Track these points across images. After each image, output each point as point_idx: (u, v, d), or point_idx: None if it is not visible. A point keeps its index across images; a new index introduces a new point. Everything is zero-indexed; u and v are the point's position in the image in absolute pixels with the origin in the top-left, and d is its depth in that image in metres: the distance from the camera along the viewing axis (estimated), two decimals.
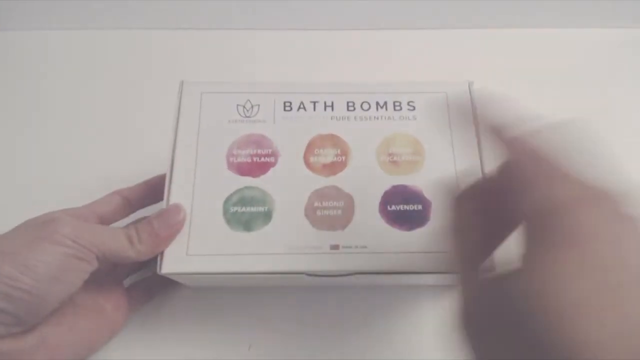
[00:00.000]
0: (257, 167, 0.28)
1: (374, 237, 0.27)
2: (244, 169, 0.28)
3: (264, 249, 0.26)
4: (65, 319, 0.25)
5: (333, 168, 0.29)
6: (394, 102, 0.30)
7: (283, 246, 0.26)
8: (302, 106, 0.30)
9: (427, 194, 0.28)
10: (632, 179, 0.17)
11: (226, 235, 0.27)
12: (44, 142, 0.40)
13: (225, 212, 0.27)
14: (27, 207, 0.32)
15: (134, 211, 0.30)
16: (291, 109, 0.30)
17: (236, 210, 0.27)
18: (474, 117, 0.30)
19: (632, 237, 0.15)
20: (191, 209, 0.27)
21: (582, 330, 0.14)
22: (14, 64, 0.44)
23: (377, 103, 0.30)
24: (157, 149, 0.31)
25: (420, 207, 0.28)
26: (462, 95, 0.30)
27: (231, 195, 0.28)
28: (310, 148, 0.29)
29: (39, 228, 0.24)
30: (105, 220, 0.29)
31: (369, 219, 0.27)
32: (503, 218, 0.19)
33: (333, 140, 0.29)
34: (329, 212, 0.27)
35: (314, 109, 0.30)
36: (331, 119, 0.30)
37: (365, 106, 0.30)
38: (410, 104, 0.30)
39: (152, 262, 0.26)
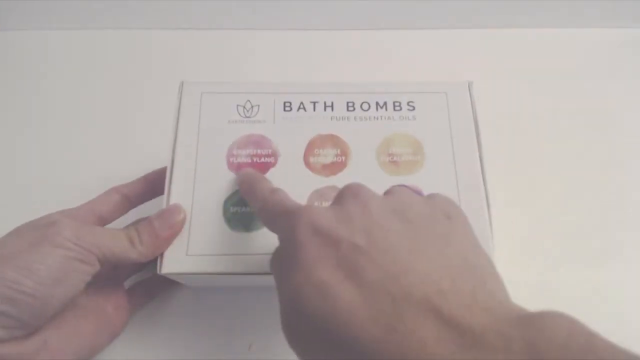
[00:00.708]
0: (257, 167, 0.28)
1: None
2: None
3: (264, 249, 0.26)
4: (66, 322, 0.25)
5: (333, 168, 0.29)
6: (394, 102, 0.30)
7: None
8: (302, 106, 0.30)
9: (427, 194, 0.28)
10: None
11: (226, 235, 0.27)
12: (44, 142, 0.40)
13: (225, 212, 0.27)
14: (27, 207, 0.32)
15: (133, 207, 0.30)
16: (291, 109, 0.30)
17: (236, 210, 0.27)
18: (474, 117, 0.30)
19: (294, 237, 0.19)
20: (191, 209, 0.27)
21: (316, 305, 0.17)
22: (14, 64, 0.44)
23: (377, 103, 0.30)
24: (157, 149, 0.31)
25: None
26: (462, 95, 0.30)
27: (231, 195, 0.28)
28: (310, 148, 0.29)
29: (39, 231, 0.24)
30: (105, 220, 0.29)
31: None
32: None
33: (333, 140, 0.29)
34: None
35: (314, 109, 0.30)
36: (331, 119, 0.30)
37: (365, 106, 0.30)
38: (410, 104, 0.30)
39: (152, 262, 0.26)
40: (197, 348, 0.31)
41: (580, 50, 0.46)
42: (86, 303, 0.27)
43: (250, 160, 0.29)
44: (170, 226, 0.26)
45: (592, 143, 0.40)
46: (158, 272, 0.26)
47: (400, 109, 0.30)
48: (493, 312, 0.16)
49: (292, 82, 0.31)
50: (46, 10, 0.45)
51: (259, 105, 0.30)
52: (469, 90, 0.30)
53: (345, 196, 0.21)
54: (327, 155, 0.29)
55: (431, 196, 0.22)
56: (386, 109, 0.30)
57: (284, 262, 0.20)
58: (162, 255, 0.26)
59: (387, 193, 0.22)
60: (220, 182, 0.28)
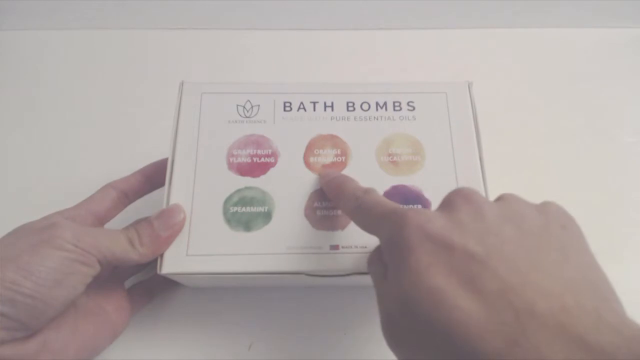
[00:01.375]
0: (257, 168, 0.28)
1: (374, 238, 0.27)
2: (244, 169, 0.28)
3: (263, 249, 0.26)
4: (66, 323, 0.25)
5: (333, 168, 0.29)
6: (394, 102, 0.30)
7: (283, 246, 0.26)
8: (302, 106, 0.30)
9: (427, 194, 0.28)
10: None
11: (226, 235, 0.27)
12: (43, 142, 0.39)
13: (225, 212, 0.27)
14: (26, 206, 0.32)
15: (131, 202, 0.30)
16: (291, 109, 0.30)
17: (236, 211, 0.27)
18: (474, 117, 0.30)
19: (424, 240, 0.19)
20: (191, 209, 0.27)
21: (447, 307, 0.17)
22: (14, 64, 0.44)
23: (377, 103, 0.30)
24: (157, 149, 0.31)
25: (419, 207, 0.28)
26: (462, 95, 0.30)
27: (231, 195, 0.28)
28: (310, 148, 0.29)
29: (39, 233, 0.24)
30: (104, 218, 0.29)
31: None
32: None
33: (333, 140, 0.29)
34: (329, 212, 0.27)
35: (314, 110, 0.30)
36: (331, 119, 0.30)
37: (365, 106, 0.30)
38: (410, 104, 0.30)
39: (152, 263, 0.26)
40: (197, 348, 0.30)
41: (580, 50, 0.46)
42: (86, 304, 0.27)
43: (250, 161, 0.29)
44: (170, 227, 0.26)
45: (592, 143, 0.40)
46: (158, 272, 0.26)
47: (400, 109, 0.30)
48: (620, 331, 0.15)
49: (292, 82, 0.31)
50: (46, 10, 0.45)
51: (259, 106, 0.30)
52: (469, 90, 0.30)
53: (456, 201, 0.20)
54: (327, 155, 0.29)
55: (545, 205, 0.21)
56: (386, 109, 0.30)
57: (391, 266, 0.20)
58: (162, 255, 0.26)
59: (498, 200, 0.21)
60: (220, 182, 0.28)
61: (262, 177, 0.28)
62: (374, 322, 0.32)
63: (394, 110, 0.30)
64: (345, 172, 0.29)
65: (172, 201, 0.27)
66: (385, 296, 0.19)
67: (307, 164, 0.29)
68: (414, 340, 0.17)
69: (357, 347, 0.31)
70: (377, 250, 0.22)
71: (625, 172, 0.39)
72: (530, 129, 0.40)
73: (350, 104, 0.30)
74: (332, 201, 0.27)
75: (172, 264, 0.26)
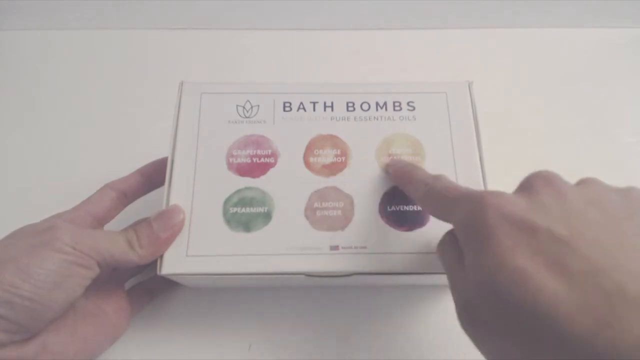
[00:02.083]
0: (256, 168, 0.28)
1: (374, 238, 0.27)
2: (243, 170, 0.28)
3: (263, 249, 0.26)
4: (66, 325, 0.25)
5: (333, 168, 0.29)
6: (394, 103, 0.30)
7: (283, 247, 0.26)
8: (301, 106, 0.30)
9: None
10: None
11: (226, 236, 0.27)
12: (42, 142, 0.39)
13: (225, 212, 0.27)
14: (26, 207, 0.33)
15: (130, 203, 0.30)
16: (291, 109, 0.30)
17: (236, 211, 0.27)
18: (474, 117, 0.30)
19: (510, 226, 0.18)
20: (191, 210, 0.27)
21: (534, 286, 0.16)
22: (13, 64, 0.44)
23: (377, 103, 0.30)
24: (157, 149, 0.31)
25: (420, 207, 0.28)
26: (462, 95, 0.30)
27: (231, 195, 0.28)
28: (310, 148, 0.29)
29: (38, 235, 0.24)
30: (103, 219, 0.28)
31: (368, 220, 0.27)
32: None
33: (333, 140, 0.29)
34: (329, 212, 0.27)
35: (314, 110, 0.30)
36: (331, 119, 0.30)
37: (365, 106, 0.30)
38: (410, 104, 0.30)
39: (152, 264, 0.26)
40: (197, 348, 0.31)
41: (580, 50, 0.46)
42: (86, 306, 0.27)
43: (250, 161, 0.29)
44: (169, 227, 0.26)
45: (592, 143, 0.40)
46: (158, 273, 0.26)
47: (400, 109, 0.30)
48: None
49: (292, 82, 0.31)
50: (46, 10, 0.45)
51: (258, 106, 0.30)
52: (469, 90, 0.30)
53: (535, 183, 0.20)
54: (327, 155, 0.29)
55: (628, 190, 0.20)
56: (386, 109, 0.30)
57: (467, 245, 0.19)
58: (162, 256, 0.26)
59: (580, 183, 0.21)
60: (220, 183, 0.28)
61: (262, 177, 0.28)
62: (374, 322, 0.32)
63: (394, 110, 0.30)
64: (345, 172, 0.29)
65: (172, 202, 0.27)
66: (462, 281, 0.19)
67: (307, 164, 0.29)
68: (499, 325, 0.17)
69: (358, 347, 0.31)
70: (449, 234, 0.21)
71: (625, 172, 0.39)
72: (530, 129, 0.40)
73: (350, 104, 0.30)
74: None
75: (172, 264, 0.26)
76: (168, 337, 0.31)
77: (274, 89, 0.31)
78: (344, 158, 0.29)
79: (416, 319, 0.32)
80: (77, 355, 0.26)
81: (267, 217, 0.27)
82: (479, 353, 0.19)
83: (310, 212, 0.27)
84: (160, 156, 0.30)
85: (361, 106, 0.30)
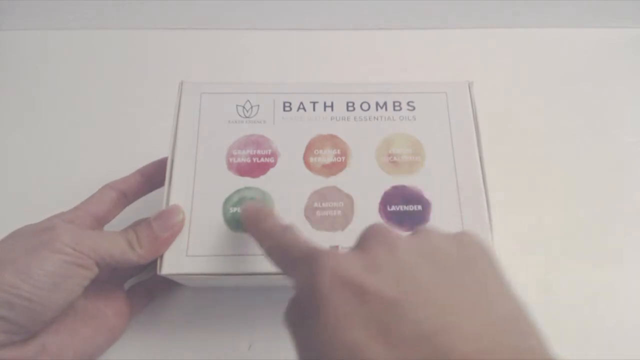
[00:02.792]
0: (256, 168, 0.28)
1: None
2: (243, 170, 0.28)
3: None
4: (65, 326, 0.25)
5: (333, 168, 0.29)
6: (394, 102, 0.30)
7: None
8: (301, 106, 0.30)
9: (427, 195, 0.28)
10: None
11: (226, 236, 0.27)
12: (42, 142, 0.39)
13: (225, 212, 0.27)
14: (26, 207, 0.32)
15: (130, 203, 0.30)
16: (291, 109, 0.30)
17: (236, 211, 0.27)
18: (474, 117, 0.30)
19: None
20: (191, 210, 0.27)
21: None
22: (13, 64, 0.44)
23: (377, 103, 0.30)
24: (157, 150, 0.31)
25: (420, 207, 0.28)
26: (462, 95, 0.30)
27: (231, 195, 0.28)
28: (310, 148, 0.29)
29: (37, 236, 0.24)
30: (103, 220, 0.28)
31: (368, 220, 0.27)
32: None
33: (333, 140, 0.29)
34: (329, 212, 0.27)
35: (314, 109, 0.30)
36: (331, 119, 0.30)
37: (365, 106, 0.30)
38: (410, 104, 0.30)
39: (152, 264, 0.26)
40: (197, 348, 0.30)
41: (580, 50, 0.46)
42: (86, 307, 0.27)
43: (250, 161, 0.29)
44: (169, 227, 0.26)
45: (592, 143, 0.40)
46: (158, 273, 0.26)
47: (400, 109, 0.30)
48: None
49: (291, 82, 0.31)
50: (46, 10, 0.45)
51: (258, 106, 0.30)
52: (469, 90, 0.30)
53: (369, 239, 0.20)
54: (327, 155, 0.29)
55: (460, 235, 0.21)
56: (386, 109, 0.30)
57: (305, 316, 0.18)
58: (162, 256, 0.26)
59: (413, 233, 0.21)
60: (220, 183, 0.28)
61: (262, 177, 0.28)
62: None
63: (394, 110, 0.30)
64: (345, 172, 0.28)
65: (172, 202, 0.27)
66: (300, 353, 0.18)
67: (307, 164, 0.29)
68: None
69: None
70: (293, 304, 0.20)
71: (625, 172, 0.39)
72: (530, 129, 0.40)
73: (350, 104, 0.30)
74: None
75: (171, 264, 0.26)
76: (168, 337, 0.31)
77: (274, 89, 0.31)
78: (344, 158, 0.29)
79: None
80: (77, 355, 0.26)
81: None
82: None
83: (310, 212, 0.27)
84: (160, 156, 0.30)
85: (361, 106, 0.30)
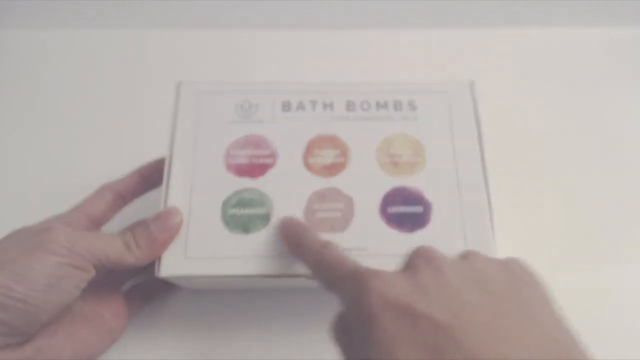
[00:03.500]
0: (255, 168, 0.28)
1: (374, 239, 0.26)
2: (242, 170, 0.28)
3: (262, 251, 0.26)
4: (62, 328, 0.25)
5: (333, 169, 0.28)
6: (395, 102, 0.30)
7: (282, 248, 0.26)
8: (301, 106, 0.30)
9: (428, 196, 0.28)
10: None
11: (224, 237, 0.26)
12: (41, 143, 0.39)
13: (224, 214, 0.27)
14: (26, 207, 0.32)
15: (127, 203, 0.30)
16: (290, 109, 0.30)
17: (234, 212, 0.27)
18: (476, 117, 0.30)
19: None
20: (189, 211, 0.27)
21: None
22: (13, 64, 0.44)
23: (377, 103, 0.30)
24: (157, 150, 0.31)
25: (420, 208, 0.27)
26: (464, 95, 0.30)
27: (229, 197, 0.27)
28: (309, 149, 0.29)
29: (33, 237, 0.24)
30: (100, 221, 0.28)
31: (369, 221, 0.27)
32: None
33: (333, 141, 0.29)
34: (329, 213, 0.27)
35: (314, 109, 0.30)
36: (331, 119, 0.30)
37: (365, 106, 0.30)
38: (411, 104, 0.30)
39: (150, 265, 0.26)
40: (197, 349, 0.30)
41: (580, 50, 0.45)
42: (83, 309, 0.27)
43: (248, 161, 0.28)
44: (167, 229, 0.26)
45: (592, 143, 0.40)
46: (156, 275, 0.26)
47: (401, 109, 0.30)
48: None
49: (291, 82, 0.31)
50: (46, 10, 0.45)
51: (257, 105, 0.30)
52: (471, 90, 0.30)
53: (416, 261, 0.20)
54: (327, 155, 0.29)
55: (508, 262, 0.21)
56: (387, 109, 0.30)
57: (354, 335, 0.19)
58: (160, 258, 0.26)
59: (460, 258, 0.21)
60: (218, 184, 0.28)
61: (261, 178, 0.28)
62: None
63: (395, 110, 0.30)
64: (345, 172, 0.28)
65: (170, 203, 0.27)
66: None
67: (307, 165, 0.28)
68: None
69: None
70: (340, 320, 0.21)
71: (625, 172, 0.38)
72: (531, 129, 0.40)
73: (350, 104, 0.30)
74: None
75: (170, 266, 0.26)
76: (167, 338, 0.31)
77: (273, 89, 0.30)
78: (343, 158, 0.29)
79: None
80: (73, 358, 0.25)
81: (266, 218, 0.27)
82: None
83: (309, 214, 0.27)
84: (157, 155, 0.30)
85: (361, 106, 0.30)
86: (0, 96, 0.42)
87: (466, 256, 0.21)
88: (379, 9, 0.45)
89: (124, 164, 0.33)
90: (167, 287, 0.31)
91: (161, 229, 0.25)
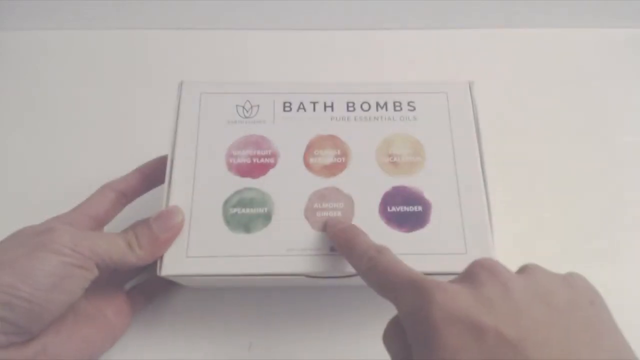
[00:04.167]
0: (256, 168, 0.28)
1: (374, 239, 0.26)
2: (243, 170, 0.28)
3: (263, 250, 0.26)
4: (65, 327, 0.25)
5: (333, 169, 0.29)
6: (394, 103, 0.30)
7: (283, 248, 0.26)
8: (301, 107, 0.30)
9: (427, 195, 0.28)
10: None
11: (226, 236, 0.27)
12: (42, 143, 0.39)
13: (225, 213, 0.27)
14: (26, 207, 0.33)
15: (130, 202, 0.30)
16: (291, 109, 0.30)
17: (236, 212, 0.27)
18: (475, 118, 0.30)
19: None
20: (191, 211, 0.27)
21: None
22: (13, 64, 0.44)
23: (377, 103, 0.30)
24: (157, 150, 0.31)
25: (420, 208, 0.28)
26: (463, 95, 0.30)
27: (231, 196, 0.28)
28: (310, 149, 0.29)
29: (37, 237, 0.24)
30: (102, 221, 0.28)
31: (368, 220, 0.27)
32: None
33: (333, 141, 0.29)
34: (329, 213, 0.27)
35: (314, 110, 0.30)
36: (331, 119, 0.30)
37: (365, 106, 0.30)
38: (411, 104, 0.30)
39: (152, 265, 0.26)
40: (197, 348, 0.30)
41: (580, 50, 0.45)
42: (86, 308, 0.27)
43: (249, 161, 0.29)
44: (169, 228, 0.26)
45: (592, 143, 0.40)
46: (158, 274, 0.26)
47: (401, 109, 0.30)
48: None
49: (291, 82, 0.31)
50: (46, 10, 0.45)
51: (258, 106, 0.30)
52: (470, 90, 0.30)
53: (479, 274, 0.19)
54: (327, 155, 0.29)
55: (571, 277, 0.20)
56: (386, 109, 0.30)
57: (413, 343, 0.19)
58: (162, 257, 0.26)
59: (522, 272, 0.21)
60: (219, 183, 0.28)
61: (262, 177, 0.28)
62: (373, 323, 0.31)
63: (395, 110, 0.30)
64: (345, 172, 0.28)
65: (172, 202, 0.27)
66: None
67: (307, 165, 0.29)
68: None
69: (357, 347, 0.31)
70: (394, 326, 0.21)
71: (625, 172, 0.39)
72: (531, 129, 0.40)
73: (350, 104, 0.30)
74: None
75: (172, 265, 0.26)
76: (168, 337, 0.31)
77: (274, 89, 0.31)
78: (344, 158, 0.29)
79: None
80: (77, 356, 0.26)
81: (267, 218, 0.27)
82: None
83: (310, 213, 0.27)
84: (159, 155, 0.30)
85: (361, 106, 0.30)
86: (0, 96, 0.42)
87: (527, 270, 0.20)
88: (379, 10, 0.45)
89: (125, 164, 0.33)
90: (169, 285, 0.31)
91: (163, 229, 0.26)
